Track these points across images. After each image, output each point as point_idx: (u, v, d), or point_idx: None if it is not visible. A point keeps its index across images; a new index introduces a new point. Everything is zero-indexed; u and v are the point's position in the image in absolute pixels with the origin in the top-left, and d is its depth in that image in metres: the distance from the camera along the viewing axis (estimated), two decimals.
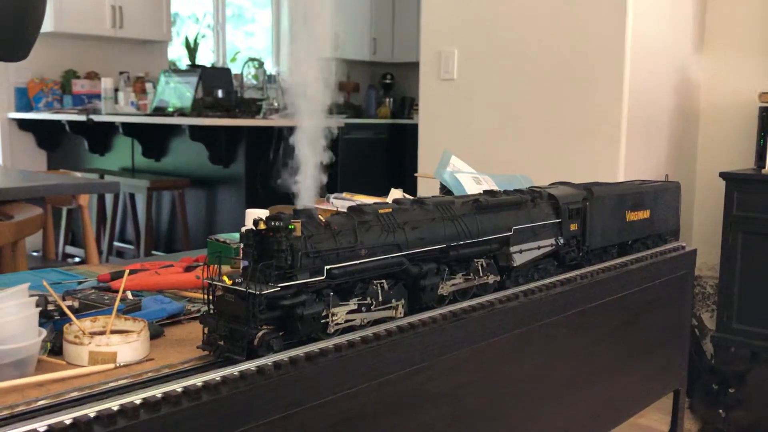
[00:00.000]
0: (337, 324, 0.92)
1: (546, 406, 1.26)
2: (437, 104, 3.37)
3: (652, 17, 2.93)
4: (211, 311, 0.87)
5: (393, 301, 0.99)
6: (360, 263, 0.93)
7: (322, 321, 0.90)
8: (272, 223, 0.86)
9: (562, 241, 1.24)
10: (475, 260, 1.11)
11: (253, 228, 0.86)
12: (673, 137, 3.23)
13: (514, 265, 1.15)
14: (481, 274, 1.11)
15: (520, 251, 1.16)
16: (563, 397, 1.30)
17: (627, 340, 1.46)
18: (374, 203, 1.02)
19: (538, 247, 1.20)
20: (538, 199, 1.23)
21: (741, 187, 2.96)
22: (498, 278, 1.14)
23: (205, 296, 0.87)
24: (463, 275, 1.09)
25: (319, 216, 0.92)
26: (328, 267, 0.89)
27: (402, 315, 1.00)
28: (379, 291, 0.97)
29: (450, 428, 1.07)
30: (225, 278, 0.85)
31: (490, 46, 3.15)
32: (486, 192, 1.20)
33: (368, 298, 0.96)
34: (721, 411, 2.63)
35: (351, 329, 0.94)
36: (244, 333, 0.83)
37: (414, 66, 3.63)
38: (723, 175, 3.00)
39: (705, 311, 3.46)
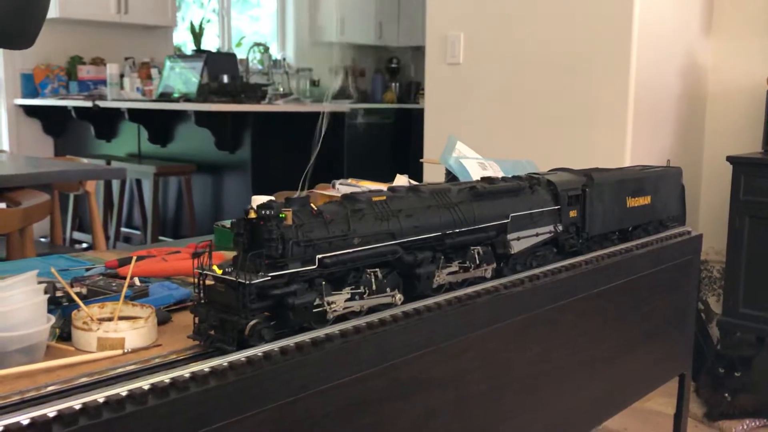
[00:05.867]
0: (335, 311, 0.91)
1: (550, 390, 1.27)
2: (443, 89, 3.36)
3: (659, 2, 2.91)
4: (202, 301, 0.87)
5: (387, 289, 0.98)
6: (352, 252, 0.93)
7: (316, 310, 0.89)
8: (263, 212, 0.85)
9: (560, 228, 1.23)
10: (472, 248, 1.09)
11: (244, 217, 0.86)
12: (680, 122, 3.22)
13: (512, 252, 1.14)
14: (477, 261, 1.10)
15: (518, 238, 1.15)
16: (568, 381, 1.30)
17: (632, 325, 1.47)
18: (369, 191, 1.02)
19: (536, 234, 1.19)
20: (537, 185, 1.22)
21: (748, 171, 2.95)
22: (494, 266, 1.13)
23: (195, 286, 0.87)
24: (459, 263, 1.08)
25: (311, 204, 0.91)
26: (319, 256, 0.89)
27: (400, 302, 1.00)
28: (373, 280, 0.96)
29: (454, 412, 1.08)
30: (215, 267, 0.85)
31: (496, 30, 3.13)
32: (483, 179, 1.19)
33: (362, 287, 0.95)
34: (726, 395, 2.63)
35: (347, 317, 0.94)
36: (234, 323, 0.83)
37: (420, 50, 3.62)
38: (730, 159, 2.99)
39: (711, 295, 3.46)
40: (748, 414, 2.62)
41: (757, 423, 2.60)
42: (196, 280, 0.87)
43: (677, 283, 1.58)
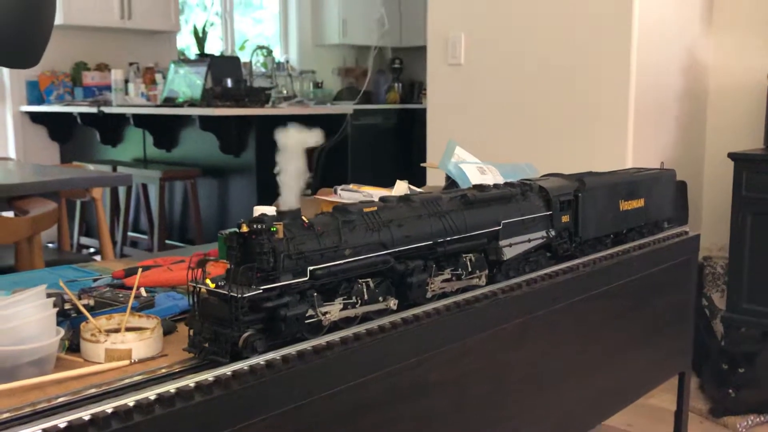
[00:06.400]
0: (329, 320, 0.93)
1: (550, 392, 1.29)
2: (445, 89, 3.38)
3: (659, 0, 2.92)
4: (196, 314, 0.88)
5: (380, 299, 1.00)
6: (343, 263, 0.94)
7: (309, 321, 0.90)
8: (254, 226, 0.86)
9: (553, 233, 1.24)
10: (464, 255, 1.10)
11: (237, 230, 0.87)
12: (681, 119, 3.23)
13: (504, 258, 1.15)
14: (469, 269, 1.11)
15: (510, 245, 1.16)
16: (567, 382, 1.33)
17: (631, 325, 1.49)
18: (360, 202, 1.03)
19: (529, 240, 1.20)
20: (529, 191, 1.23)
21: (750, 168, 2.95)
22: (487, 272, 1.14)
23: (190, 299, 0.88)
24: (451, 271, 1.09)
25: (303, 217, 0.92)
26: (311, 268, 0.90)
27: (395, 307, 1.01)
28: (365, 290, 0.97)
29: (455, 415, 1.10)
30: (208, 281, 0.86)
31: (497, 31, 3.15)
32: (475, 186, 1.20)
33: (354, 297, 0.96)
34: (730, 391, 2.65)
35: (339, 326, 0.95)
36: (227, 335, 0.84)
37: (422, 50, 3.64)
38: (731, 155, 3.00)
39: (715, 291, 3.47)
40: (753, 409, 2.63)
41: (762, 418, 2.62)
42: (190, 293, 0.88)
43: (675, 282, 1.60)
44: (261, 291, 0.85)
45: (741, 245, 3.01)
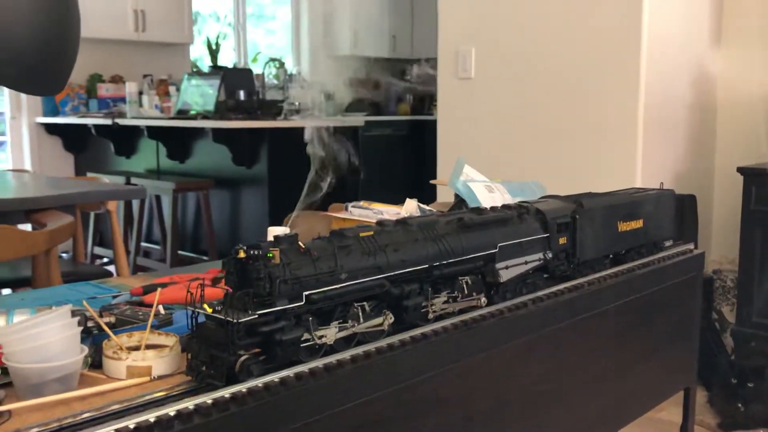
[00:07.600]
0: (325, 343, 0.95)
1: (555, 408, 1.31)
2: (455, 103, 3.42)
3: (668, 13, 2.95)
4: (194, 337, 0.90)
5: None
6: (339, 287, 0.95)
7: (305, 344, 0.92)
8: (251, 252, 0.88)
9: (550, 255, 1.25)
10: (460, 278, 1.12)
11: (234, 256, 0.89)
12: (691, 133, 3.25)
13: (501, 281, 1.16)
14: (466, 291, 1.12)
15: (507, 267, 1.17)
16: (572, 399, 1.35)
17: (636, 342, 1.51)
18: (357, 226, 1.05)
19: (525, 262, 1.21)
20: (525, 214, 1.24)
21: (759, 182, 2.97)
22: (483, 294, 1.16)
23: (188, 323, 0.91)
24: (447, 293, 1.10)
25: (299, 242, 0.94)
26: (306, 293, 0.92)
27: (391, 325, 1.03)
28: (360, 313, 0.99)
29: (462, 431, 1.13)
30: (206, 306, 0.89)
31: (507, 45, 3.18)
32: (472, 209, 1.22)
33: (349, 321, 0.98)
34: (740, 405, 2.66)
35: (335, 349, 0.97)
36: (224, 359, 0.87)
37: (433, 62, 3.68)
38: (740, 170, 3.01)
39: (725, 305, 3.47)
40: (762, 424, 2.64)
41: None
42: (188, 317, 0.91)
43: (681, 299, 1.62)
44: (257, 316, 0.87)
45: (751, 259, 3.02)
